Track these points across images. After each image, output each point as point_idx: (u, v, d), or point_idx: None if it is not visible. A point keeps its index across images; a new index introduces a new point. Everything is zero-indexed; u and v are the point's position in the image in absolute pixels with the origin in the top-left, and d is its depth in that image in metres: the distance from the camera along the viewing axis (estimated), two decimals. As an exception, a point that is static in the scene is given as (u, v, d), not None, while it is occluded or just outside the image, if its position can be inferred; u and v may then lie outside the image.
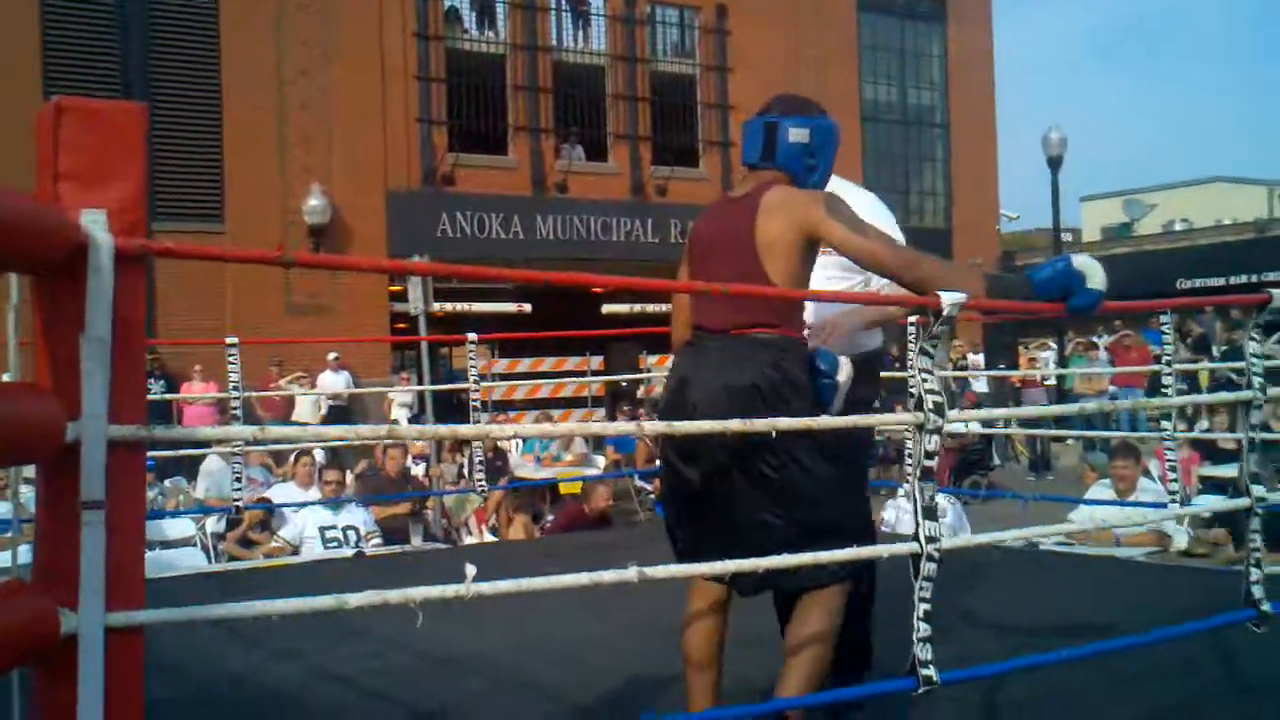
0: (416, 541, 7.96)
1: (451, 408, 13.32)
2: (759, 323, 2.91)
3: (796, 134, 3.09)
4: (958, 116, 24.17)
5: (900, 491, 8.74)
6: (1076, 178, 49.81)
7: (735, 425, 2.57)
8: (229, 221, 15.76)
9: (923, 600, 2.83)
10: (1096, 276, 2.85)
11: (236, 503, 6.40)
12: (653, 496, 10.18)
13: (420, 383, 11.79)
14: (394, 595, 2.13)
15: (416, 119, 17.93)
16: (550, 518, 9.41)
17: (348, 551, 7.15)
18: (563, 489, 9.98)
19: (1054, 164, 17.82)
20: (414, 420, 14.13)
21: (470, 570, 2.28)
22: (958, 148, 24.10)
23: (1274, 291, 3.22)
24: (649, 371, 17.81)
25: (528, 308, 18.17)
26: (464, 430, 2.90)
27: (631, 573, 2.48)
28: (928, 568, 2.84)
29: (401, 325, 17.20)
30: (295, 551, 7.30)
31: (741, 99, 20.17)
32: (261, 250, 2.60)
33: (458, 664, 4.16)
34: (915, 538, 2.87)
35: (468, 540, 8.68)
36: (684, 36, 21.37)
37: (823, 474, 2.93)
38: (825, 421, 2.84)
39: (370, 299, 16.76)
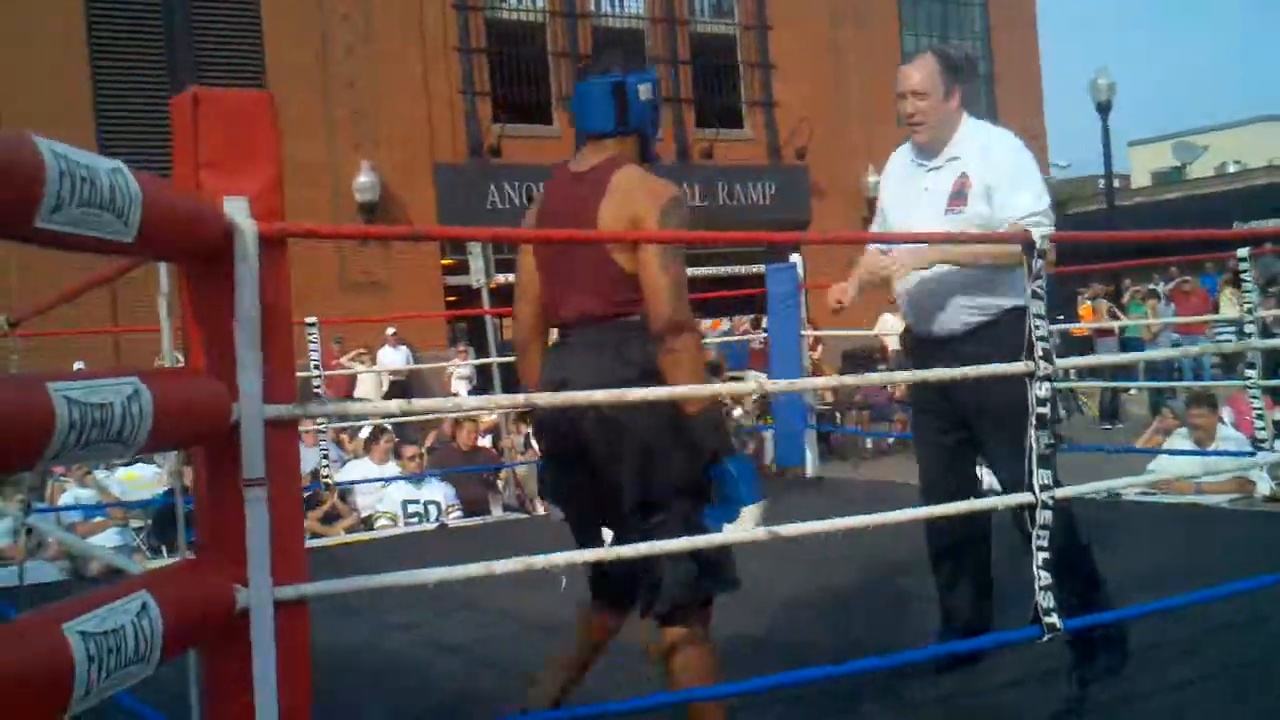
0: (496, 512, 8.04)
1: (507, 379, 13.38)
2: (621, 309, 2.76)
3: (645, 91, 2.87)
4: (1002, 66, 23.85)
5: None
6: (1124, 122, 49.09)
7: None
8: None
9: (1040, 549, 2.85)
10: (737, 530, 2.66)
11: (326, 480, 6.47)
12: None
13: (483, 355, 11.86)
14: (539, 560, 2.18)
15: (460, 91, 17.92)
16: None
17: (430, 525, 7.24)
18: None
19: (1103, 110, 17.61)
20: (474, 393, 14.22)
21: (608, 535, 2.33)
22: (1003, 98, 23.78)
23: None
24: (704, 335, 17.82)
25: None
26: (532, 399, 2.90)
27: (761, 532, 2.53)
28: (1044, 516, 2.86)
29: (453, 298, 17.28)
30: (370, 527, 7.40)
31: (782, 57, 20.01)
32: (397, 227, 2.65)
33: (560, 631, 4.22)
34: (1029, 487, 2.88)
35: (540, 510, 8.75)
36: (723, -4, 21.23)
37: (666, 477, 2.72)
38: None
39: (424, 273, 16.84)
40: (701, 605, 2.74)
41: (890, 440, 12.98)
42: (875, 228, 3.85)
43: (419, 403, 2.11)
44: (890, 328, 18.10)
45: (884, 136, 20.99)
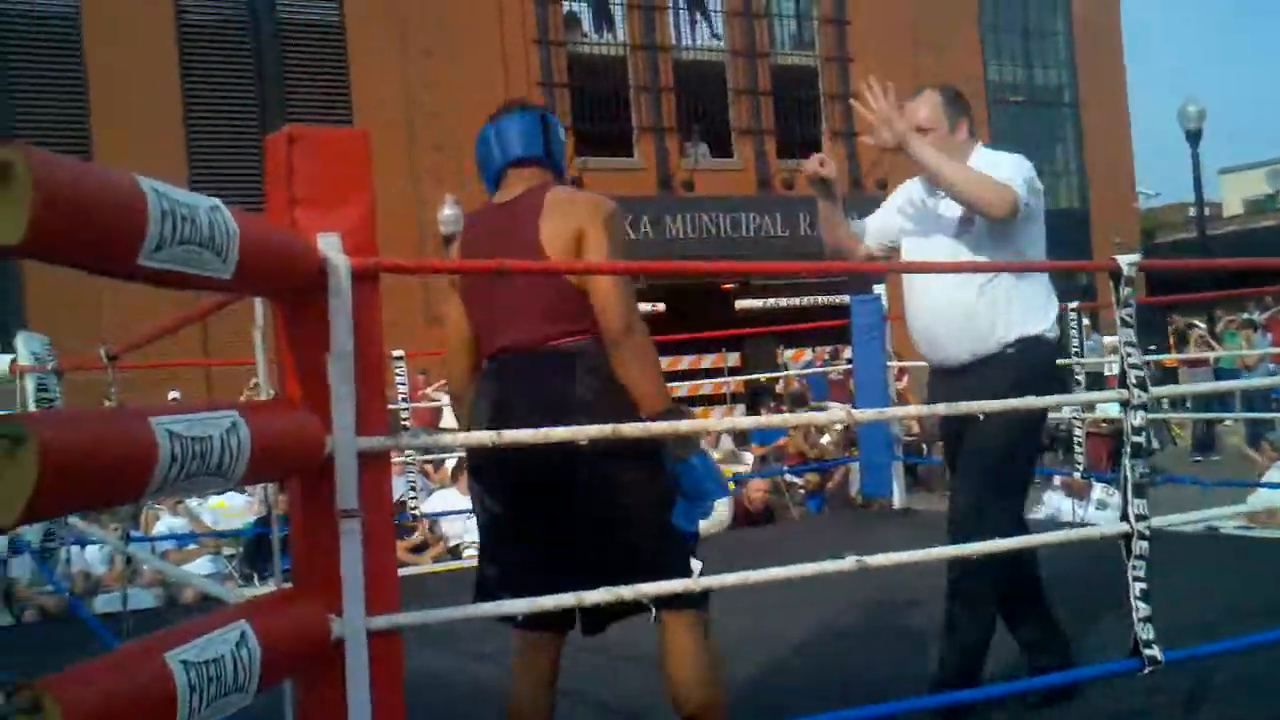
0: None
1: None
2: (571, 330, 2.72)
3: (561, 133, 2.98)
4: (1088, 93, 23.58)
5: (1056, 479, 8.58)
6: (1216, 149, 48.00)
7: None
8: (366, 236, 16.11)
9: (1138, 580, 2.80)
10: (713, 526, 2.64)
11: (414, 511, 6.53)
12: (803, 491, 10.15)
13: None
14: (627, 591, 2.18)
15: (543, 125, 18.14)
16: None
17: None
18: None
19: (1193, 138, 17.28)
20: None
21: (696, 565, 2.33)
22: (1090, 125, 23.52)
23: None
24: (785, 366, 17.75)
25: (662, 307, 18.24)
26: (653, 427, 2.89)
27: (850, 562, 2.50)
28: (1140, 546, 2.81)
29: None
30: (458, 556, 7.45)
31: (864, 88, 19.94)
32: (476, 261, 2.69)
33: (644, 661, 4.21)
34: (1125, 517, 2.84)
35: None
36: (802, 28, 21.25)
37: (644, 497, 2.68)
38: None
39: (506, 305, 17.01)
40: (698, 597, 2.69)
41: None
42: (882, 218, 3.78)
43: (508, 434, 2.12)
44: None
45: (967, 165, 20.97)
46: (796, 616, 4.65)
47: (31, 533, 5.02)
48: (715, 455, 11.63)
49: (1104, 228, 22.11)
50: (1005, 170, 3.32)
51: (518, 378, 2.73)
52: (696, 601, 2.67)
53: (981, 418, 3.17)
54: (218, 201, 1.80)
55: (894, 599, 4.76)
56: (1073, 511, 7.71)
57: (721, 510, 2.64)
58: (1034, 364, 3.33)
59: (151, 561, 4.65)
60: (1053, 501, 8.13)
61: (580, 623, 2.81)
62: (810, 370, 15.26)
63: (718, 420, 14.84)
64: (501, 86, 17.71)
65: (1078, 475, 6.95)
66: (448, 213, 16.56)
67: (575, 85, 18.66)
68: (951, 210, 3.41)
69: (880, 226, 3.70)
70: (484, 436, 2.13)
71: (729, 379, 16.25)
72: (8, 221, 1.37)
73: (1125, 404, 2.80)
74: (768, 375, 14.34)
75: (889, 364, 7.86)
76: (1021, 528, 3.31)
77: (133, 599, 6.09)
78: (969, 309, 3.32)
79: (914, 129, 3.35)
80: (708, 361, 16.86)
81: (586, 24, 19.59)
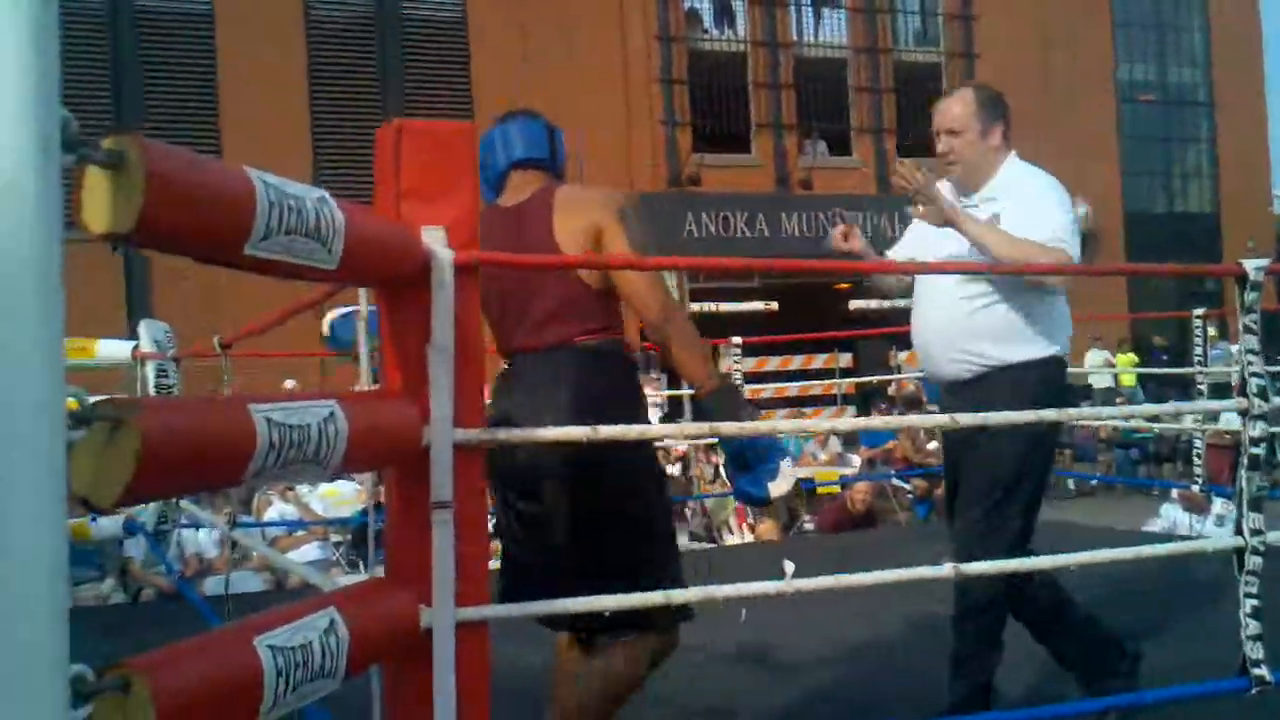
0: (682, 541, 8.05)
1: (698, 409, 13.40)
2: (583, 330, 2.72)
3: (563, 143, 3.01)
4: (1223, 93, 22.84)
5: (1174, 493, 8.33)
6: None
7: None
8: (485, 229, 16.36)
9: (1249, 596, 2.71)
10: (782, 485, 2.61)
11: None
12: (911, 495, 10.01)
13: (675, 384, 11.92)
14: (721, 590, 2.17)
15: (661, 121, 18.18)
16: (808, 517, 9.37)
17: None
18: (820, 489, 9.92)
19: (1336, 139, 16.61)
20: (665, 421, 14.30)
21: (789, 566, 2.30)
22: (1224, 126, 22.77)
23: None
24: (898, 368, 17.50)
25: (775, 306, 18.14)
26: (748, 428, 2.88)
27: (948, 569, 2.46)
28: (1253, 562, 2.71)
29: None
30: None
31: (989, 84, 19.60)
32: (570, 255, 2.70)
33: (741, 661, 4.20)
34: (1239, 530, 2.74)
35: (729, 540, 8.73)
36: (927, 24, 20.95)
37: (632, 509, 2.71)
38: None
39: (619, 300, 17.08)
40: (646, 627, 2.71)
41: (1093, 482, 12.49)
42: (900, 255, 3.69)
43: (604, 430, 2.12)
44: (1099, 363, 17.49)
45: (1097, 167, 20.44)
46: (884, 622, 4.60)
47: (146, 515, 5.19)
48: (823, 457, 11.55)
49: (1236, 232, 21.40)
50: (1047, 221, 3.16)
51: (534, 377, 2.73)
52: (649, 624, 2.68)
53: (984, 438, 3.11)
54: (324, 193, 1.83)
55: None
56: (1190, 526, 7.48)
57: (786, 470, 2.63)
58: (1037, 383, 3.21)
59: (256, 547, 4.75)
60: (1170, 515, 7.89)
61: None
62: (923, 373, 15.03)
63: (817, 421, 14.72)
64: (621, 82, 17.80)
65: (1196, 489, 6.73)
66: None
67: (694, 81, 18.64)
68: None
69: (906, 258, 3.63)
70: (579, 432, 2.13)
71: (840, 380, 16.07)
72: (120, 210, 1.40)
73: (1244, 413, 2.71)
74: (879, 377, 14.17)
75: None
76: (1027, 552, 3.20)
77: (242, 582, 6.27)
78: (969, 327, 3.23)
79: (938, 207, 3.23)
80: (819, 362, 16.69)
81: (708, 20, 19.57)
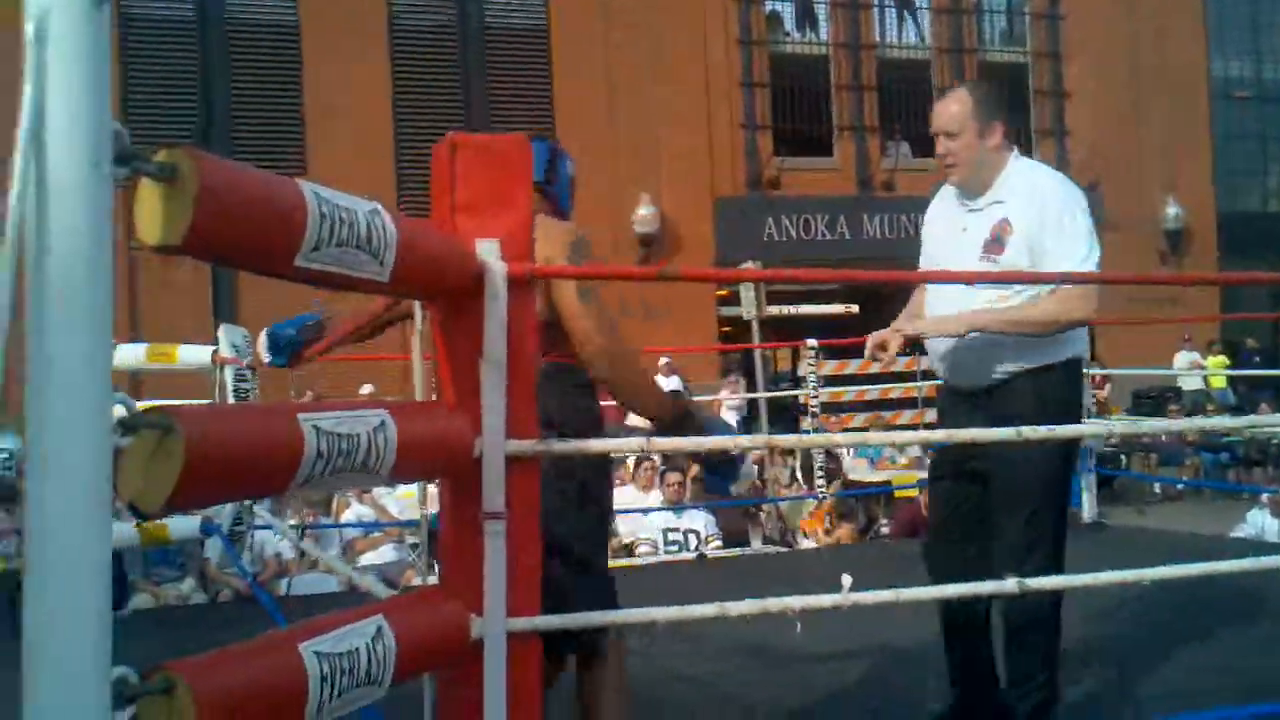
0: (755, 544, 8.03)
1: (779, 410, 13.36)
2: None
3: (571, 168, 3.02)
4: (1322, 90, 22.19)
5: (1264, 497, 8.12)
6: None
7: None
8: (566, 234, 16.46)
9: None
10: (744, 476, 2.60)
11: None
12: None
13: (752, 387, 11.88)
14: (773, 604, 2.15)
15: (741, 125, 18.11)
16: (884, 521, 9.27)
17: (689, 554, 7.30)
18: (898, 492, 9.82)
19: None
20: (742, 424, 14.26)
21: (846, 580, 2.29)
22: (1322, 124, 22.12)
23: None
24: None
25: (855, 308, 17.98)
26: (812, 440, 2.89)
27: (1011, 585, 2.42)
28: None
29: (726, 329, 17.40)
30: (630, 553, 7.52)
31: (1077, 85, 19.31)
32: (638, 267, 2.71)
33: (791, 666, 4.16)
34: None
35: (804, 544, 8.69)
36: (1013, 24, 20.63)
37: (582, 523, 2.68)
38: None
39: (698, 303, 17.05)
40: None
41: (1179, 486, 12.22)
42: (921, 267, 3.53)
43: (658, 442, 2.12)
44: (1187, 365, 17.10)
45: (1189, 167, 19.98)
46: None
47: (223, 516, 5.29)
48: (902, 460, 11.43)
49: (1334, 233, 20.78)
50: (1070, 245, 3.05)
51: None
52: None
53: (1012, 448, 2.96)
54: (378, 205, 1.86)
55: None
56: (1278, 532, 7.29)
57: (749, 465, 2.67)
58: (1059, 387, 3.12)
59: (318, 552, 4.81)
60: (1257, 520, 7.70)
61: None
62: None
63: (902, 433, 14.55)
64: (702, 86, 17.77)
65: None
66: (642, 212, 16.73)
67: (775, 84, 18.56)
68: (978, 227, 3.19)
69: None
70: (633, 444, 2.13)
71: (921, 383, 15.87)
72: (172, 222, 1.43)
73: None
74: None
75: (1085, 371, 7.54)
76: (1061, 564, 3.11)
77: (317, 584, 6.36)
78: (992, 333, 3.09)
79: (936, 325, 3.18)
80: (899, 365, 16.50)
81: (789, 23, 19.47)
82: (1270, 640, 4.33)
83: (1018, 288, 3.08)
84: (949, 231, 3.32)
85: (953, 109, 3.21)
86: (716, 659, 4.24)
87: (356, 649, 1.67)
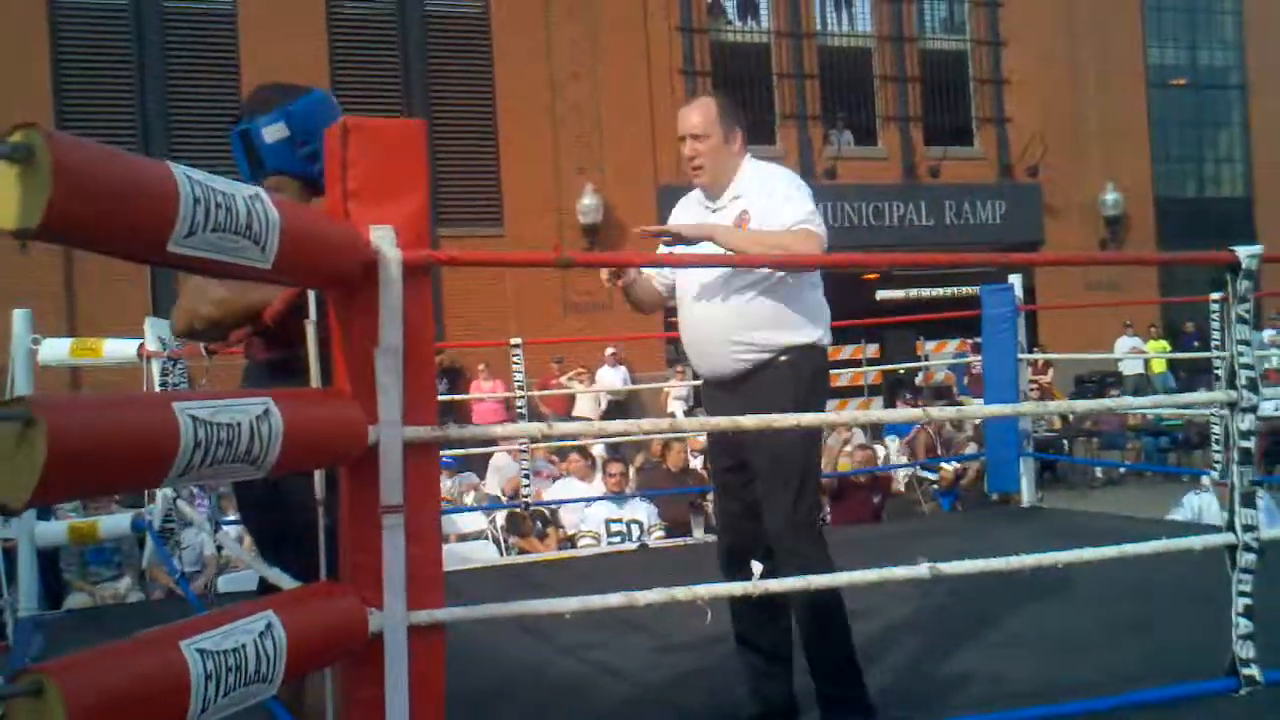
0: (698, 534, 8.01)
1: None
2: (266, 348, 2.64)
3: (272, 132, 2.66)
4: (1257, 76, 22.45)
5: (1204, 480, 8.19)
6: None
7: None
8: (507, 225, 16.36)
9: (1241, 594, 2.64)
10: None
11: (526, 499, 6.58)
12: (935, 487, 9.93)
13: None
14: (680, 593, 2.13)
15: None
16: (828, 510, 9.29)
17: (631, 545, 7.27)
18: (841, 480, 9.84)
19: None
20: (690, 413, 14.27)
21: (757, 568, 2.27)
22: (1257, 109, 22.40)
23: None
24: (925, 358, 17.39)
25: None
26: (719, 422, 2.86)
27: (923, 569, 2.41)
28: (1245, 559, 2.65)
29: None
30: (573, 545, 7.49)
31: (1016, 72, 19.47)
32: (538, 252, 2.66)
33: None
34: (1230, 527, 2.68)
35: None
36: (953, 11, 20.75)
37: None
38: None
39: (644, 294, 17.04)
40: None
41: (1122, 470, 12.36)
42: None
43: (560, 426, 2.08)
44: (1128, 349, 17.30)
45: (1126, 154, 20.20)
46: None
47: (153, 513, 5.20)
48: (847, 449, 11.46)
49: (1270, 217, 21.05)
50: (792, 207, 3.26)
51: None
52: None
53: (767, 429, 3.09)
54: (259, 190, 1.80)
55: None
56: (1218, 514, 7.34)
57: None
58: (808, 371, 3.31)
59: (229, 547, 4.72)
60: (1193, 503, 7.76)
61: None
62: (950, 361, 14.93)
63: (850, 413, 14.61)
64: (645, 74, 17.72)
65: (1215, 476, 6.63)
66: (587, 202, 16.66)
67: (717, 72, 18.54)
68: (722, 222, 3.36)
69: (657, 270, 3.65)
70: (532, 429, 2.09)
71: (867, 369, 15.99)
72: (28, 205, 1.38)
73: (1233, 406, 2.63)
74: (905, 366, 14.08)
75: (1022, 356, 7.59)
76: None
77: (248, 581, 6.25)
78: (743, 317, 3.29)
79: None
80: (847, 352, 16.63)
81: (731, 12, 19.46)
82: (1159, 629, 4.34)
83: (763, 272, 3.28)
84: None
85: (696, 117, 3.40)
86: (653, 651, 4.22)
87: (243, 645, 1.62)
